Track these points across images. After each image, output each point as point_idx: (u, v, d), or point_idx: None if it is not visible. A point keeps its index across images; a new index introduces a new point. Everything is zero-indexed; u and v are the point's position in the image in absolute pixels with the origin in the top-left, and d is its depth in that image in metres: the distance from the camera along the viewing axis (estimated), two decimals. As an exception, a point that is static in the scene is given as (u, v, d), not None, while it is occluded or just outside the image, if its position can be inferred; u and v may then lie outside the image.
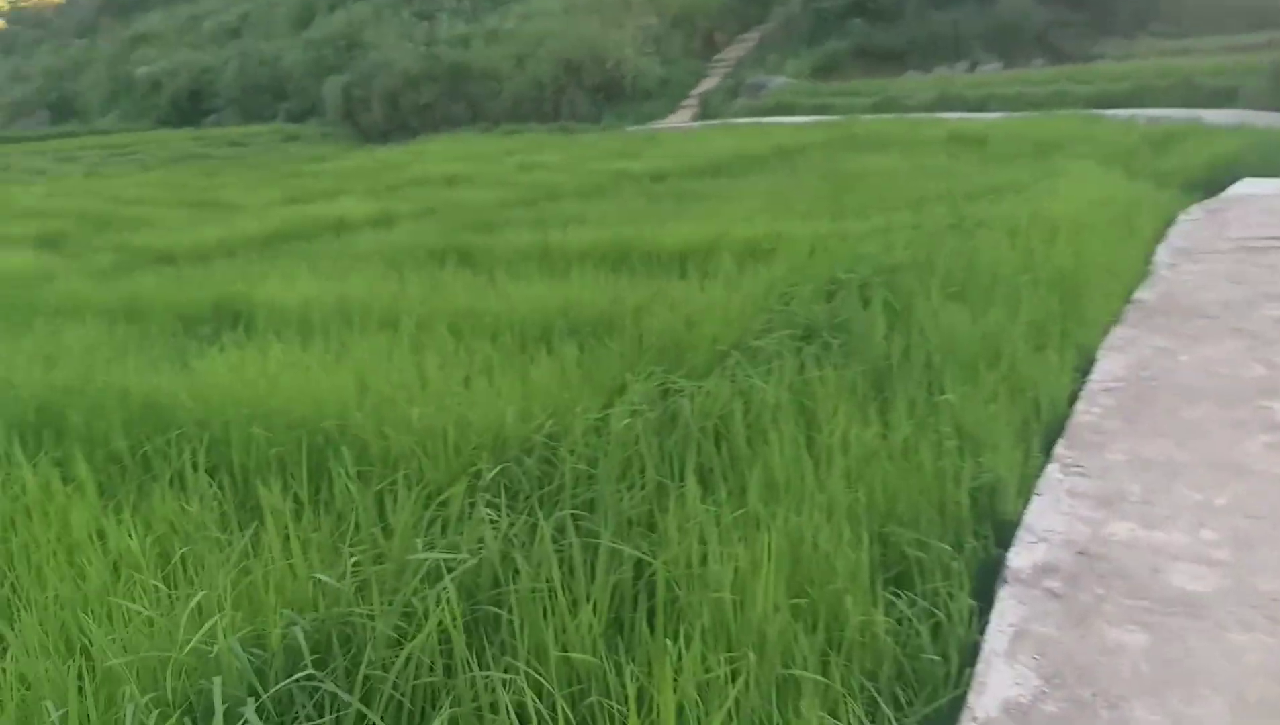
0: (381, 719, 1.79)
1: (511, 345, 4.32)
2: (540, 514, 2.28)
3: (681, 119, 25.78)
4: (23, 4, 71.87)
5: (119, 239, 10.61)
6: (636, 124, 26.59)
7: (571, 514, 2.31)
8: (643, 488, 2.53)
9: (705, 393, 2.92)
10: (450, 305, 5.05)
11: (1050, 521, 2.72)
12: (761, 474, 2.62)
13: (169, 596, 2.22)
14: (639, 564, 2.20)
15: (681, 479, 2.56)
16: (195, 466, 3.06)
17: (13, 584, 2.49)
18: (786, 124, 19.44)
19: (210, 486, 2.98)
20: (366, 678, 1.86)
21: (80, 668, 1.91)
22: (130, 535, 2.62)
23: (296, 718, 1.82)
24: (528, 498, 2.51)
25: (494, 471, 2.57)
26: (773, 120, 20.73)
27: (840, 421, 2.95)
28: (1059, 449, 3.22)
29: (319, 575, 2.13)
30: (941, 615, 2.24)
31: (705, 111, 25.71)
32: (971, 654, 2.18)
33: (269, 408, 3.41)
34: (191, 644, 1.84)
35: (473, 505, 2.38)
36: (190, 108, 39.55)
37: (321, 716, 1.80)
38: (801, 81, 24.74)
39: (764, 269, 4.79)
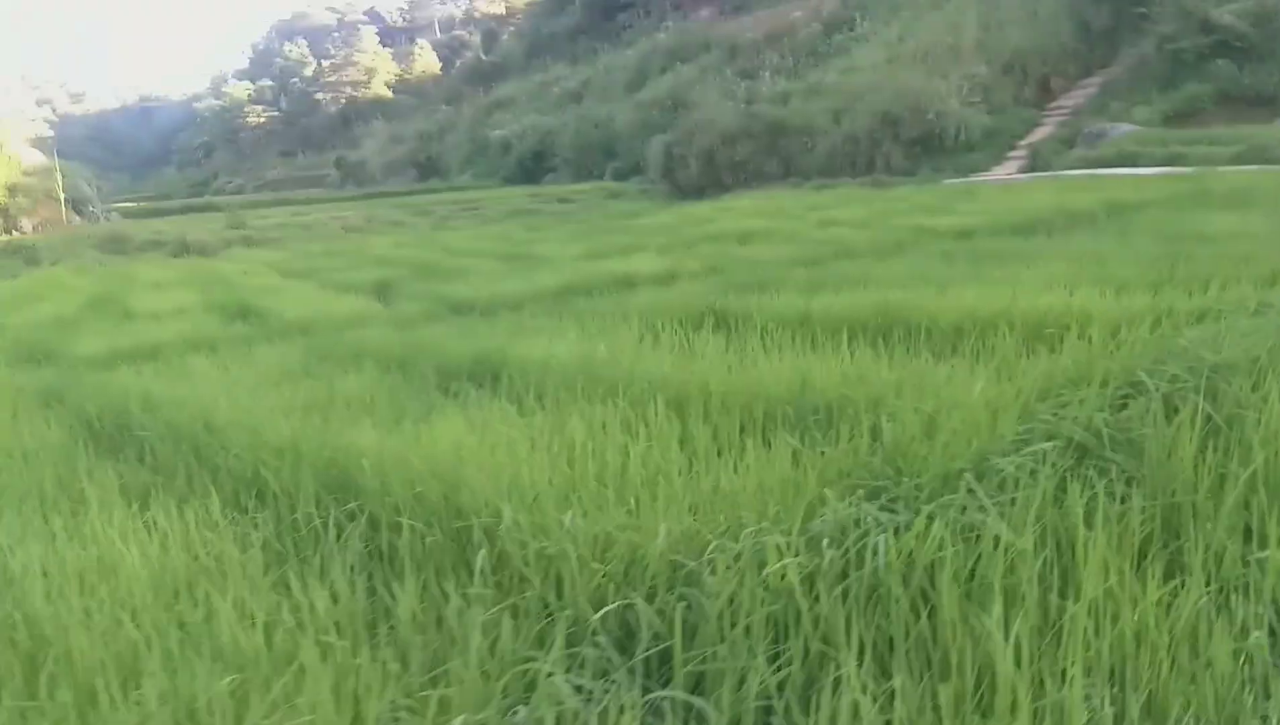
0: None
1: (728, 430, 3.83)
2: (633, 684, 1.77)
3: (1007, 171, 23.93)
4: (407, 76, 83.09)
5: (432, 288, 11.41)
6: (956, 176, 25.08)
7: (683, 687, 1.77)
8: (790, 660, 1.93)
9: (913, 532, 2.25)
10: (681, 376, 4.66)
11: None
12: (972, 658, 1.92)
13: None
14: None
15: (857, 652, 1.93)
16: (343, 544, 2.87)
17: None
18: (1126, 176, 17.30)
19: (354, 573, 2.76)
20: None
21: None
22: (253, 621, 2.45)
23: None
24: (641, 649, 1.99)
25: (612, 606, 2.08)
26: (1110, 172, 18.56)
27: (1101, 578, 2.16)
28: None
29: None
30: None
31: (1034, 163, 23.66)
32: None
33: (440, 485, 3.19)
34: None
35: (572, 655, 1.92)
36: (534, 166, 43.17)
37: None
38: (1149, 129, 22.04)
39: (1045, 357, 3.92)
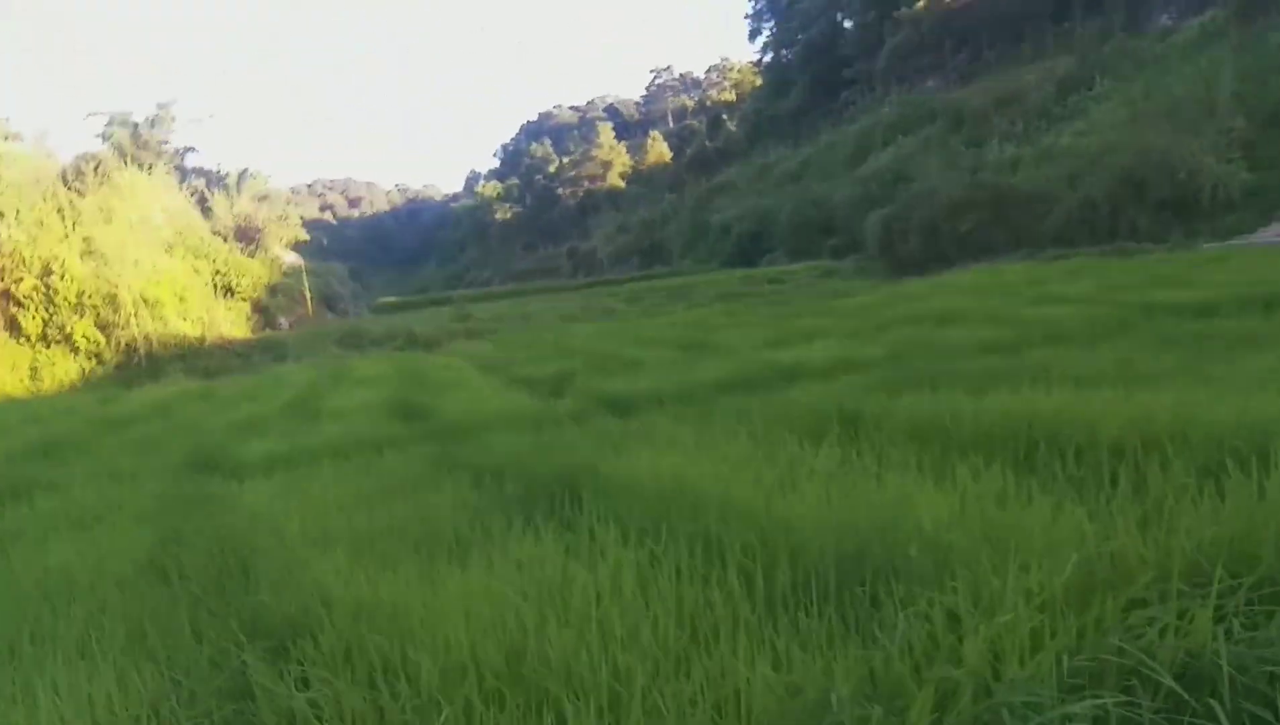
0: None
1: (794, 592, 3.11)
2: None
3: (1275, 233, 20.87)
4: (640, 167, 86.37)
5: (596, 383, 11.09)
6: (1214, 240, 22.23)
7: None
8: None
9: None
10: (768, 512, 3.91)
11: None
12: None
13: None
14: None
15: None
16: None
17: None
18: None
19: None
20: None
21: None
22: None
23: None
24: None
25: None
26: None
27: None
28: None
29: None
30: None
31: (1312, 222, 20.50)
32: None
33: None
34: None
35: None
36: (751, 248, 43.04)
37: None
38: None
39: (1197, 505, 2.86)
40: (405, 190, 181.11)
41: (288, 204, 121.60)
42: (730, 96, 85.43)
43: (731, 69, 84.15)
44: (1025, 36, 39.83)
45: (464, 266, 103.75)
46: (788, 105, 57.06)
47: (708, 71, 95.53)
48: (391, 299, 60.63)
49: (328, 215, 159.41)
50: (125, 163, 49.40)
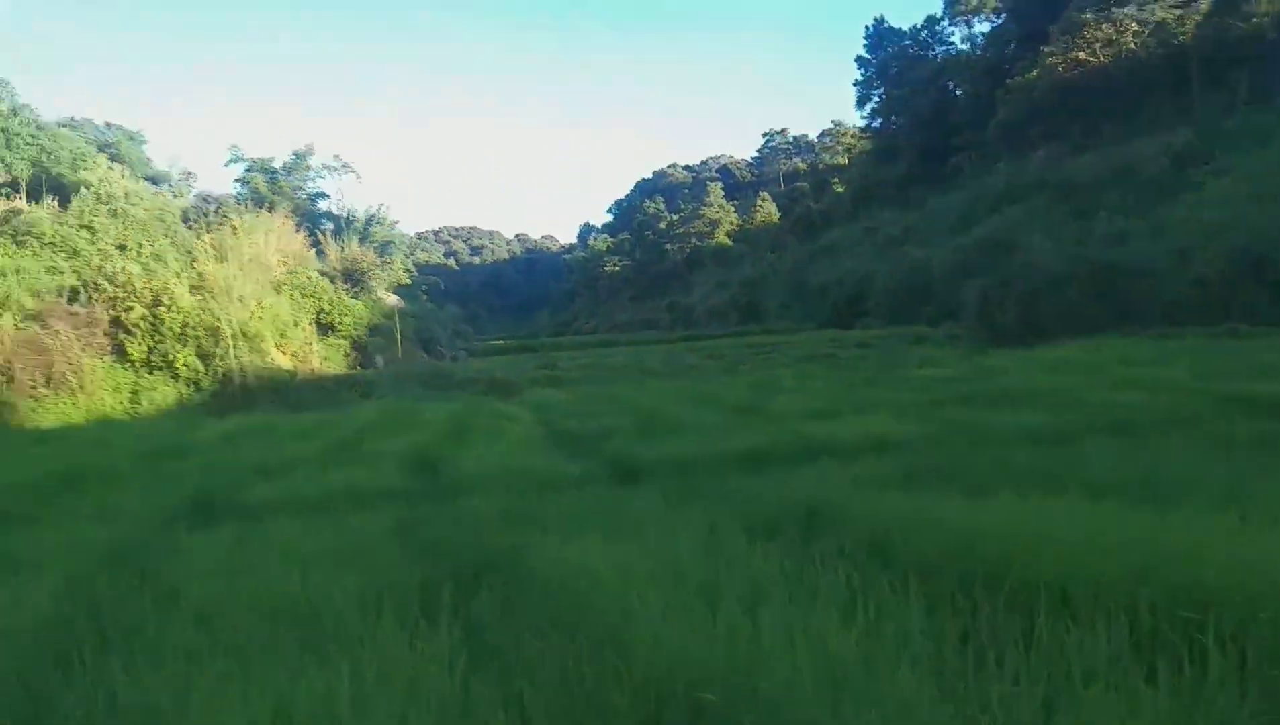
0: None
1: None
2: None
3: (1404, 323, 19.23)
4: (748, 226, 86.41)
5: (625, 444, 10.89)
6: (1338, 328, 20.70)
7: None
8: None
9: None
10: (650, 634, 3.60)
11: None
12: None
13: None
14: None
15: None
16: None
17: None
18: None
19: None
20: None
21: None
22: None
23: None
24: None
25: None
26: None
27: None
28: None
29: None
30: None
31: None
32: None
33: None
34: None
35: None
36: (848, 310, 42.32)
37: None
38: None
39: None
40: (525, 240, 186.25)
41: (410, 249, 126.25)
42: (841, 160, 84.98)
43: (844, 133, 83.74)
44: (1143, 109, 38.32)
45: (573, 315, 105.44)
46: (894, 171, 56.34)
47: (820, 135, 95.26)
48: (499, 341, 62.05)
49: (451, 261, 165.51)
50: (260, 206, 52.43)
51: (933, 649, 3.16)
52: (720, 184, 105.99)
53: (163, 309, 24.70)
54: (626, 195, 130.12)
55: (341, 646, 3.59)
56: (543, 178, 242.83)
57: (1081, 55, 42.53)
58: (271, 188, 69.54)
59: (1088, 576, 3.58)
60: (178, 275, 26.53)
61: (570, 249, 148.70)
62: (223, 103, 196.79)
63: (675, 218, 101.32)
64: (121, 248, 27.71)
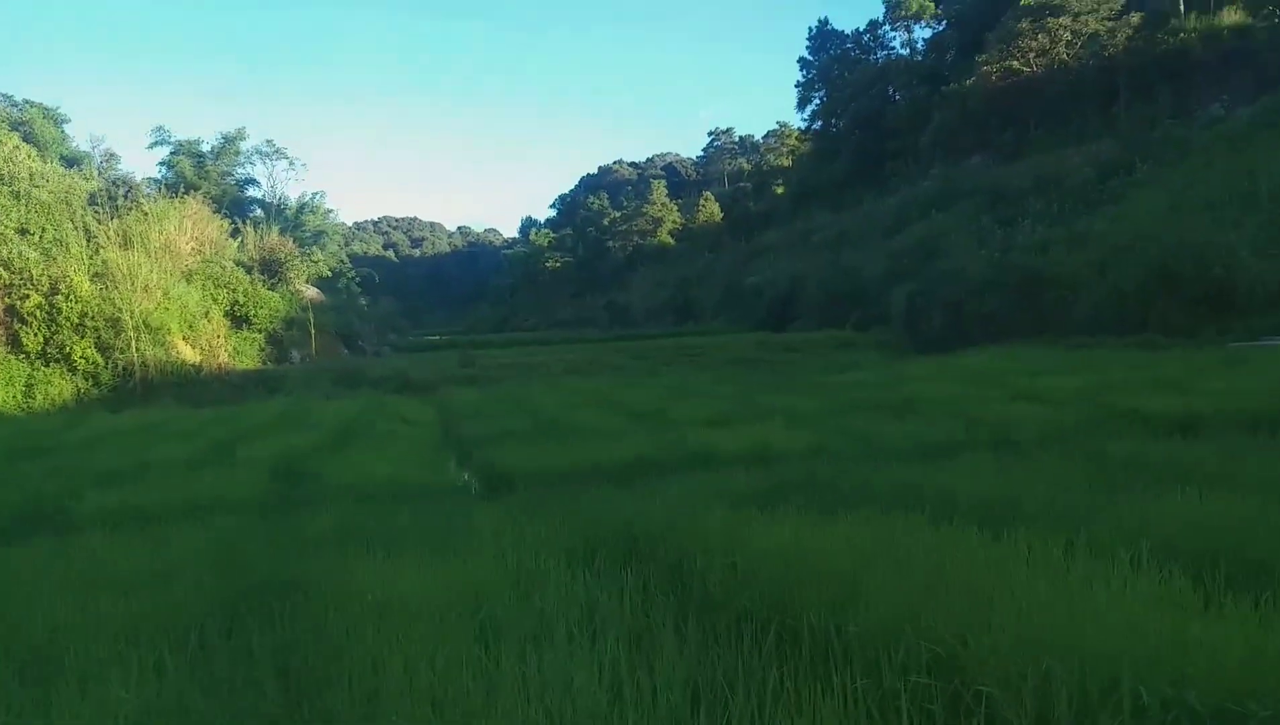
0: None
1: None
2: None
3: (1309, 336, 19.62)
4: (691, 225, 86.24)
5: (511, 450, 10.45)
6: (1247, 339, 21.05)
7: None
8: None
9: None
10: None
11: None
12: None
13: None
14: None
15: None
16: None
17: None
18: None
19: None
20: None
21: None
22: None
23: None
24: None
25: None
26: None
27: None
28: None
29: None
30: None
31: (1350, 327, 19.19)
32: None
33: None
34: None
35: None
36: (782, 313, 42.31)
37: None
38: None
39: None
40: (467, 233, 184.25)
41: (347, 240, 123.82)
42: (785, 161, 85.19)
43: (788, 135, 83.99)
44: (1073, 119, 38.86)
45: (512, 310, 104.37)
46: (832, 173, 56.56)
47: (765, 136, 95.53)
48: (434, 336, 60.98)
49: (390, 253, 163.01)
50: (184, 191, 50.68)
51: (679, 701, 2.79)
52: (665, 182, 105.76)
53: (60, 297, 23.57)
54: (570, 190, 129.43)
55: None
56: (488, 171, 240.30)
57: (1016, 64, 43.02)
58: (198, 172, 67.48)
59: (855, 618, 3.23)
60: (80, 262, 25.35)
61: (512, 243, 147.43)
62: (154, 83, 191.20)
63: (618, 215, 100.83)
64: (23, 232, 26.44)
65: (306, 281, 35.46)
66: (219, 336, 27.87)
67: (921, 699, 2.54)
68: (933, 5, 55.91)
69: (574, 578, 4.19)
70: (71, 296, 23.72)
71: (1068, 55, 41.13)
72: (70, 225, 27.49)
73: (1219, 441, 8.34)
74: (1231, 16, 36.90)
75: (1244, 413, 10.07)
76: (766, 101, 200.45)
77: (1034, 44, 41.97)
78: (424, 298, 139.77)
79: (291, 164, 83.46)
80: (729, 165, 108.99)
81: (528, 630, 3.58)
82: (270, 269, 34.04)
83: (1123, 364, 17.71)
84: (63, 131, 56.47)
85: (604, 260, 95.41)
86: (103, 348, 23.89)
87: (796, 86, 65.48)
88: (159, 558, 5.47)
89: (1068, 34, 40.73)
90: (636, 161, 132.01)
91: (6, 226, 25.88)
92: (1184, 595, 3.19)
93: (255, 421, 15.68)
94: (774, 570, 3.71)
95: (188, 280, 29.60)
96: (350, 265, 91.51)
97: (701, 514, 5.22)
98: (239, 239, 37.94)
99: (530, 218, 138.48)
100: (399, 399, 20.71)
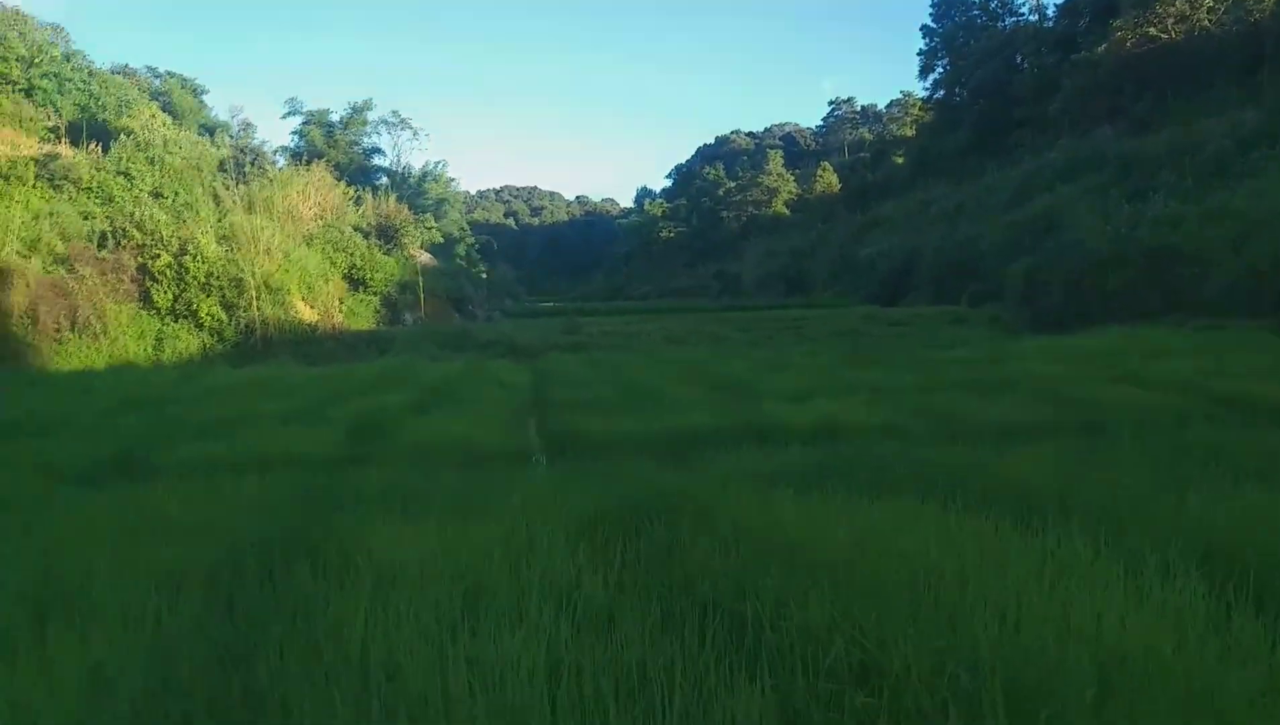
0: None
1: None
2: None
3: None
4: (808, 196, 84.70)
5: (593, 418, 10.46)
6: (1397, 326, 19.40)
7: None
8: None
9: None
10: None
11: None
12: None
13: None
14: None
15: None
16: None
17: None
18: None
19: None
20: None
21: None
22: None
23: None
24: None
25: None
26: None
27: None
28: None
29: None
30: None
31: None
32: None
33: None
34: None
35: None
36: (896, 285, 41.17)
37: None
38: None
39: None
40: (585, 202, 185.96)
41: (469, 207, 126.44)
42: (908, 131, 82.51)
43: (912, 105, 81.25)
44: (1213, 88, 36.17)
45: (627, 279, 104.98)
46: (953, 143, 54.40)
47: (888, 106, 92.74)
48: (549, 302, 61.91)
49: (510, 221, 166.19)
50: (313, 159, 52.82)
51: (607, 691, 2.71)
52: (782, 152, 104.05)
53: (188, 258, 24.96)
54: (687, 160, 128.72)
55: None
56: (607, 141, 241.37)
57: (1153, 30, 40.31)
58: (327, 141, 70.17)
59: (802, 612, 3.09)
60: (207, 225, 26.77)
61: (628, 213, 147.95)
62: (289, 57, 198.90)
63: (733, 185, 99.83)
64: (157, 195, 28.08)
65: (421, 247, 36.54)
66: (335, 298, 29.04)
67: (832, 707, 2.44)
68: (1066, -34, 52.89)
69: (573, 551, 4.16)
70: (198, 257, 25.10)
71: (1209, 20, 38.28)
72: (200, 190, 29.02)
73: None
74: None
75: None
76: (892, 70, 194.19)
77: (1173, 9, 39.24)
78: (542, 265, 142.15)
79: (415, 134, 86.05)
80: (850, 135, 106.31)
81: (504, 605, 3.52)
82: (386, 234, 35.19)
83: (1250, 347, 16.58)
84: (201, 101, 59.64)
85: (717, 230, 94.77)
86: (227, 306, 25.23)
87: (918, 55, 63.18)
88: (205, 511, 5.70)
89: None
90: (754, 131, 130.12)
91: (141, 190, 27.52)
92: (1192, 613, 2.96)
93: (357, 379, 16.31)
94: (749, 554, 3.63)
95: (308, 244, 30.89)
96: (470, 232, 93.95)
97: (720, 490, 5.16)
98: (360, 206, 39.32)
99: (645, 187, 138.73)
100: (500, 363, 21.14)
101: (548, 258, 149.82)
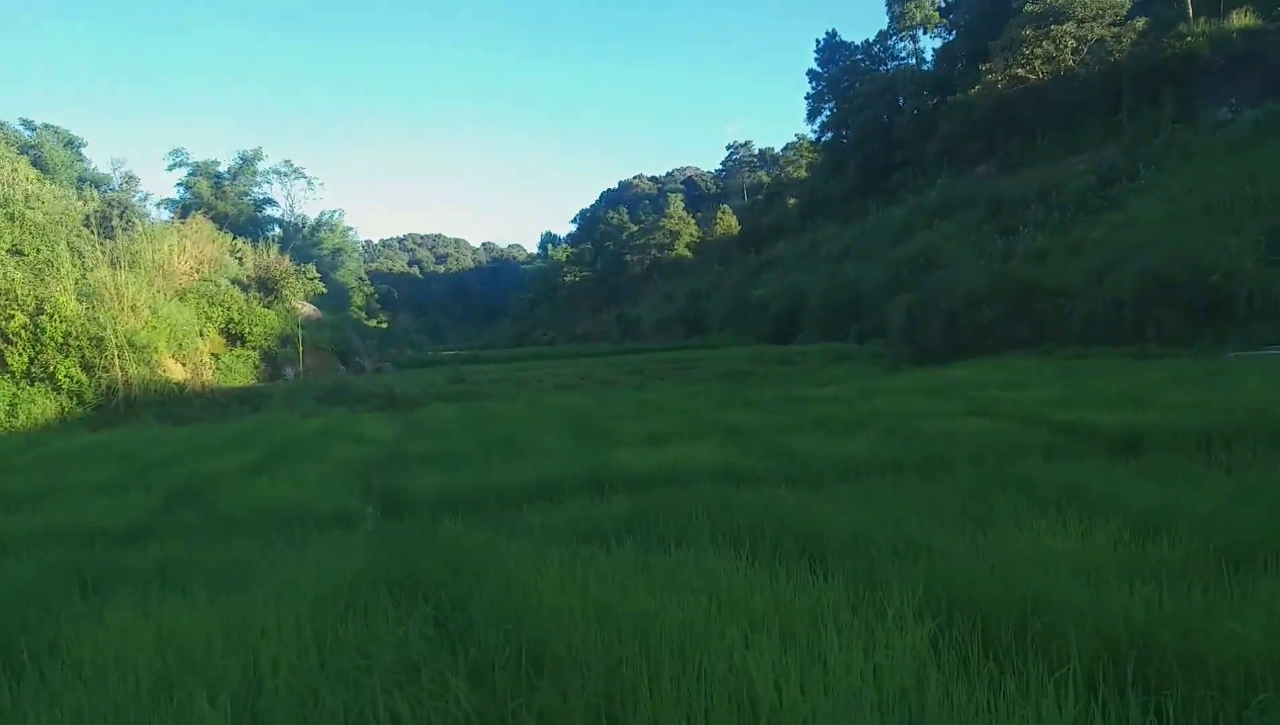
0: None
1: None
2: None
3: (1306, 345, 18.90)
4: (708, 238, 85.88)
5: (434, 477, 10.11)
6: (1246, 348, 20.34)
7: None
8: None
9: None
10: None
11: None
12: None
13: None
14: None
15: None
16: None
17: None
18: None
19: None
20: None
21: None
22: None
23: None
24: None
25: None
26: None
27: None
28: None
29: None
30: None
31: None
32: None
33: None
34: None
35: None
36: (787, 326, 41.79)
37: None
38: None
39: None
40: (491, 248, 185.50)
41: (371, 256, 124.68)
42: (802, 173, 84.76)
43: (805, 148, 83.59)
44: (1078, 127, 38.07)
45: (532, 325, 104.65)
46: (840, 185, 55.97)
47: (784, 149, 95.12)
48: (450, 351, 61.05)
49: (415, 269, 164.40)
50: (196, 211, 51.12)
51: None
52: (683, 195, 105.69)
53: (44, 317, 23.64)
54: (591, 205, 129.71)
55: None
56: (512, 187, 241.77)
57: (1021, 71, 42.33)
58: (215, 192, 68.32)
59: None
60: (67, 282, 25.45)
61: (534, 259, 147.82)
62: (174, 108, 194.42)
63: (636, 228, 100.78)
64: (16, 252, 26.63)
65: (304, 298, 35.50)
66: (207, 354, 27.88)
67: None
68: (937, 15, 55.29)
69: (299, 632, 3.80)
70: (56, 316, 23.78)
71: (1074, 62, 40.40)
72: (63, 246, 27.65)
73: (1146, 461, 7.90)
74: (1241, 19, 36.00)
75: (1198, 429, 9.52)
76: (788, 114, 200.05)
77: (1039, 51, 41.30)
78: (448, 313, 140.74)
79: (310, 183, 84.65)
80: (748, 178, 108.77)
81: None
82: (267, 287, 34.10)
83: (1107, 375, 17.12)
84: (79, 154, 57.35)
85: (620, 274, 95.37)
86: (87, 366, 23.92)
87: (806, 98, 65.09)
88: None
89: (1073, 40, 40.01)
90: (656, 176, 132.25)
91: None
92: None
93: (205, 441, 15.48)
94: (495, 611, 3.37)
95: (181, 299, 29.67)
96: (368, 282, 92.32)
97: (500, 551, 4.87)
98: (241, 258, 38.10)
99: (550, 232, 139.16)
100: (372, 416, 20.46)
101: (453, 305, 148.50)
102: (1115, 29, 39.60)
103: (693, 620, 3.26)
